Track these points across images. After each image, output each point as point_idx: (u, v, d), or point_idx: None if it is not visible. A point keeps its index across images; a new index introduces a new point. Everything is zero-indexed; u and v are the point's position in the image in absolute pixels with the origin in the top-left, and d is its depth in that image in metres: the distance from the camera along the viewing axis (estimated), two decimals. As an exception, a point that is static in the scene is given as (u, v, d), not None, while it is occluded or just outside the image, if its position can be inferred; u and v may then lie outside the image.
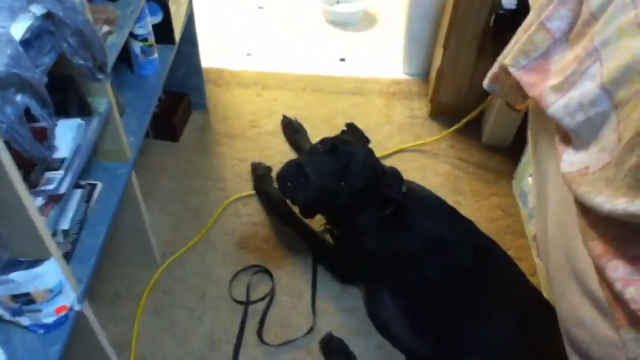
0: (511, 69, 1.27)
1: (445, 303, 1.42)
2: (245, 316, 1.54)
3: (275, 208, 1.78)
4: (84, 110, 1.14)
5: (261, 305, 1.57)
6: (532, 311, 1.39)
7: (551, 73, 1.18)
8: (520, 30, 1.32)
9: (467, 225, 1.52)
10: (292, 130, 2.04)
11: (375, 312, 1.51)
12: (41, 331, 1.03)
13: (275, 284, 1.61)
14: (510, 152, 1.96)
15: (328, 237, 1.65)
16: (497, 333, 1.36)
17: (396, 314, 1.48)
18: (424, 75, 2.29)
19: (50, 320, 1.03)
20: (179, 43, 1.71)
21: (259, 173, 1.87)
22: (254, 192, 1.86)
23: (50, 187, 0.99)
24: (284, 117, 2.09)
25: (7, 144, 0.81)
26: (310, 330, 1.51)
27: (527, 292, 1.44)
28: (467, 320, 1.39)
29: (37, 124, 0.90)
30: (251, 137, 2.06)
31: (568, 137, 1.10)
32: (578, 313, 1.02)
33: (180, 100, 2.02)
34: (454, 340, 1.40)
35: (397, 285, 1.49)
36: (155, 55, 1.54)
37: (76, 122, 1.12)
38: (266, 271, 1.65)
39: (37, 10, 0.88)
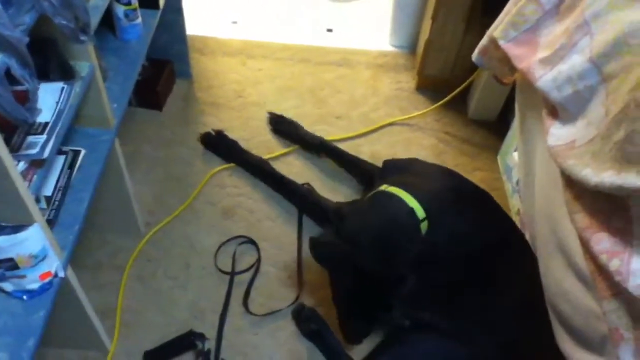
0: (500, 42, 1.26)
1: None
2: (230, 286, 1.54)
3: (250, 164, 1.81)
4: (66, 74, 1.11)
5: (246, 276, 1.57)
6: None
7: (540, 46, 1.18)
8: (510, 2, 1.31)
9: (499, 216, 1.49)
10: (286, 122, 1.96)
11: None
12: (25, 297, 1.02)
13: (261, 255, 1.61)
14: (495, 126, 1.97)
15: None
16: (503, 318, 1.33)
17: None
18: (412, 48, 2.27)
19: (34, 286, 1.02)
20: (164, 8, 1.66)
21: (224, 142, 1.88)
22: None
23: (33, 151, 0.96)
24: (270, 113, 1.99)
25: (-12, 105, 0.78)
26: (296, 300, 1.52)
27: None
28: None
29: (19, 87, 0.87)
30: (235, 107, 2.03)
31: (555, 111, 1.10)
32: (562, 285, 1.04)
33: (163, 68, 1.98)
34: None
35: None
36: (139, 19, 1.50)
37: (58, 85, 1.09)
38: (252, 242, 1.65)
39: (18, -33, 0.84)
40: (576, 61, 1.03)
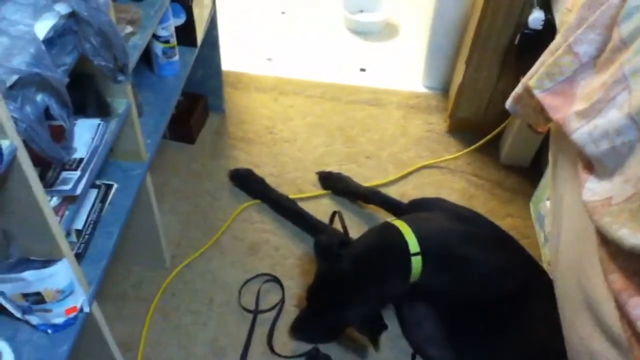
0: (535, 91, 1.24)
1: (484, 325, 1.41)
2: (253, 325, 1.53)
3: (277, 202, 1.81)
4: (103, 111, 1.14)
5: (269, 315, 1.56)
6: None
7: (576, 98, 1.16)
8: (546, 52, 1.30)
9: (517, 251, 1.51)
10: (335, 179, 1.89)
11: (415, 337, 1.49)
12: (50, 331, 1.03)
13: (285, 294, 1.60)
14: (528, 172, 1.94)
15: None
16: None
17: (438, 337, 1.45)
18: (444, 90, 2.27)
19: (59, 320, 1.02)
20: (201, 45, 1.70)
21: (251, 178, 1.88)
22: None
23: (67, 187, 0.98)
24: (320, 172, 1.93)
25: (25, 142, 0.80)
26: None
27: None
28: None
29: (56, 122, 0.90)
30: (266, 143, 2.05)
31: (591, 165, 1.08)
32: (589, 345, 1.00)
33: (197, 102, 2.02)
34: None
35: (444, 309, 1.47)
36: (177, 57, 1.53)
37: (95, 122, 1.11)
38: (276, 280, 1.63)
39: (62, 9, 0.87)
40: (614, 116, 1.00)
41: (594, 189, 1.03)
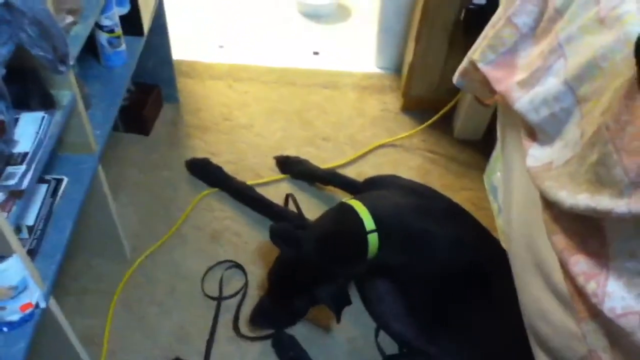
0: (479, 64, 1.27)
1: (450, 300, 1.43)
2: (217, 311, 1.53)
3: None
4: (46, 103, 1.12)
5: (234, 301, 1.56)
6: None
7: (518, 68, 1.19)
8: (488, 25, 1.33)
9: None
10: (293, 163, 1.91)
11: (378, 313, 1.51)
12: (5, 329, 1.01)
13: (248, 279, 1.61)
14: (481, 145, 1.98)
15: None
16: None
17: (400, 313, 1.48)
18: (397, 70, 2.29)
19: (14, 317, 1.01)
20: (149, 34, 1.68)
21: (209, 168, 1.88)
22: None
23: (12, 182, 0.96)
24: (276, 157, 1.94)
25: (-36, 138, 0.79)
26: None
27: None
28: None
29: (-4, 118, 0.88)
30: (223, 130, 2.04)
31: (534, 133, 1.11)
32: (540, 305, 1.04)
33: (150, 93, 1.99)
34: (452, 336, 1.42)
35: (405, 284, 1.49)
36: (123, 46, 1.51)
37: (39, 115, 1.09)
38: (239, 266, 1.64)
39: (-5, -1, 0.85)
40: (552, 83, 1.04)
41: (537, 155, 1.06)
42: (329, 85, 2.25)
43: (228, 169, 1.87)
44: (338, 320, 1.37)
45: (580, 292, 0.87)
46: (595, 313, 0.84)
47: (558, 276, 0.95)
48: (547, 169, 1.00)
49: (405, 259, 1.44)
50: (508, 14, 1.20)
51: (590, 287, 0.82)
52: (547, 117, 1.04)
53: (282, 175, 1.89)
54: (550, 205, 0.98)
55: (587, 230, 0.87)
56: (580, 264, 0.86)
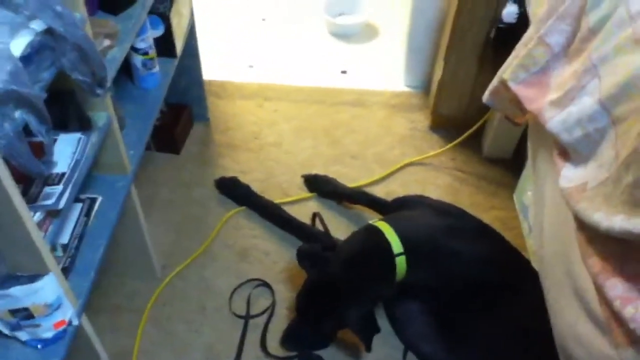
0: (510, 83, 1.26)
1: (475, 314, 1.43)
2: (245, 330, 1.54)
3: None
4: (83, 125, 1.15)
5: (261, 320, 1.57)
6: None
7: (550, 88, 1.18)
8: (519, 44, 1.32)
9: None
10: (321, 181, 1.91)
11: (408, 334, 1.50)
12: (40, 346, 1.03)
13: (275, 298, 1.61)
14: (511, 164, 1.96)
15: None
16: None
17: (430, 334, 1.47)
18: (425, 88, 2.29)
19: (48, 335, 1.03)
20: (181, 56, 1.72)
21: (237, 186, 1.89)
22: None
23: (49, 202, 0.99)
24: (305, 175, 1.95)
25: (5, 159, 0.81)
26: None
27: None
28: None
29: (36, 139, 0.90)
30: (253, 149, 2.06)
31: (567, 153, 1.10)
32: (576, 329, 1.02)
33: (181, 113, 2.03)
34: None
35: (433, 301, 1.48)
36: (157, 68, 1.54)
37: (76, 136, 1.12)
38: (266, 285, 1.64)
39: (38, 26, 0.88)
40: (585, 103, 1.02)
41: (570, 175, 1.04)
42: (357, 103, 2.26)
43: (257, 187, 1.89)
44: (367, 348, 1.35)
45: (617, 317, 0.84)
46: (634, 339, 0.81)
47: (595, 300, 0.93)
48: (581, 190, 0.98)
49: (434, 280, 1.42)
50: (540, 33, 1.19)
51: (628, 312, 0.80)
52: (581, 138, 1.03)
53: (309, 194, 1.90)
54: (585, 227, 0.96)
55: (624, 253, 0.85)
56: (616, 287, 0.84)
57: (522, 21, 1.60)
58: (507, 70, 1.30)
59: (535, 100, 1.20)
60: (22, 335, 1.01)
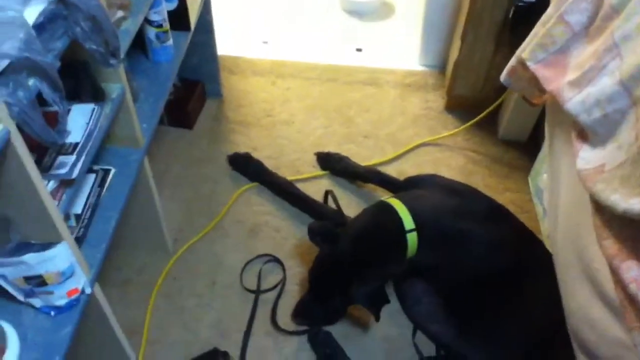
0: (528, 63, 1.24)
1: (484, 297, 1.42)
2: (255, 305, 1.55)
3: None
4: (97, 96, 1.15)
5: (271, 295, 1.58)
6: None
7: (569, 68, 1.16)
8: (539, 23, 1.29)
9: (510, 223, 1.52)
10: (334, 159, 1.91)
11: (416, 314, 1.50)
12: (53, 313, 1.04)
13: (286, 274, 1.62)
14: (526, 147, 1.94)
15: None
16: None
17: (438, 314, 1.46)
18: (441, 68, 2.26)
19: (62, 302, 1.04)
20: (195, 30, 1.70)
21: (250, 162, 1.89)
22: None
23: (63, 171, 0.99)
24: (318, 153, 1.94)
25: (19, 127, 0.81)
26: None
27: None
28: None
29: (50, 108, 0.90)
30: (265, 126, 2.06)
31: (585, 134, 1.08)
32: (588, 313, 1.01)
33: (195, 88, 2.02)
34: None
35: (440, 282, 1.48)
36: (170, 41, 1.53)
37: (89, 107, 1.12)
38: (277, 260, 1.65)
39: (51, -6, 0.88)
40: (605, 84, 1.00)
41: (588, 157, 1.03)
42: (371, 82, 2.24)
43: (269, 164, 1.89)
44: (377, 318, 1.36)
45: (631, 300, 0.84)
46: (648, 322, 0.80)
47: (609, 284, 0.92)
48: (599, 172, 0.96)
49: (444, 260, 1.42)
50: (560, 11, 1.16)
51: (643, 294, 0.79)
52: (600, 119, 1.01)
53: (322, 172, 1.89)
54: (601, 209, 0.95)
55: (641, 236, 0.84)
56: (632, 270, 0.83)
57: (542, 0, 1.57)
58: (526, 49, 1.27)
59: (554, 80, 1.18)
60: (36, 302, 1.02)
